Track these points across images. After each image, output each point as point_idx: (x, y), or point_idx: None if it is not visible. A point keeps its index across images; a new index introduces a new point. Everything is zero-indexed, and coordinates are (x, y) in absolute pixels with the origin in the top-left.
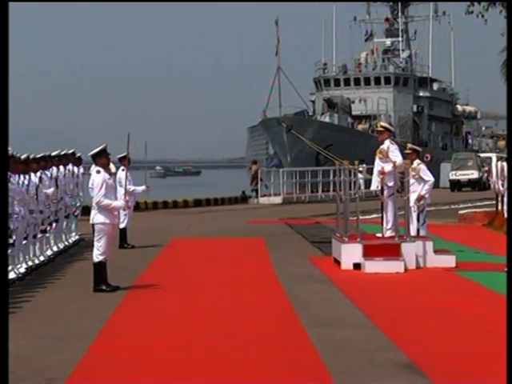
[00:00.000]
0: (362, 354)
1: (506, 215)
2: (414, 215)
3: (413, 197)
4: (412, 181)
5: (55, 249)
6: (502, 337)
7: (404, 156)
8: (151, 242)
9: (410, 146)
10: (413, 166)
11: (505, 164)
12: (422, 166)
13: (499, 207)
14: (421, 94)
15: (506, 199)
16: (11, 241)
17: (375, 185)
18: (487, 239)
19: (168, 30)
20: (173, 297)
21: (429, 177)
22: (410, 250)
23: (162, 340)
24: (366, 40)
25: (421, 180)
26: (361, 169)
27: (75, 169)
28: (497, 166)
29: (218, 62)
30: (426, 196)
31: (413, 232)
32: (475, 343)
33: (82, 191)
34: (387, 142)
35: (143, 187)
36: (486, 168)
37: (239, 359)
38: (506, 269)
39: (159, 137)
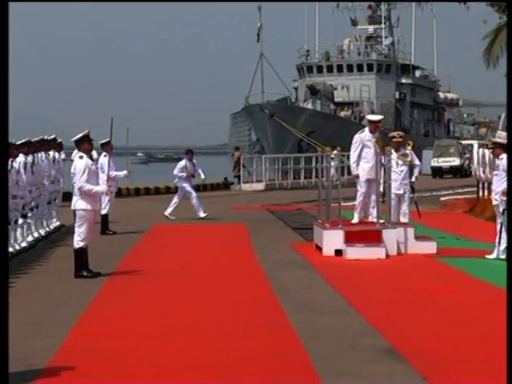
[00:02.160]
0: (343, 340)
1: (493, 202)
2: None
3: (394, 185)
4: (404, 167)
5: (36, 235)
6: (482, 322)
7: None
8: (133, 229)
9: (399, 133)
10: (405, 152)
11: (486, 151)
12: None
13: (480, 194)
14: (403, 80)
15: (495, 187)
16: None
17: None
18: (468, 226)
19: (151, 17)
20: (154, 283)
21: (419, 161)
22: (391, 236)
23: (142, 326)
24: (352, 25)
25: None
26: (332, 155)
27: (56, 154)
28: (478, 153)
29: (202, 48)
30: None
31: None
32: (456, 329)
33: (62, 177)
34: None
35: (125, 172)
36: (468, 155)
37: (220, 345)
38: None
39: (141, 123)
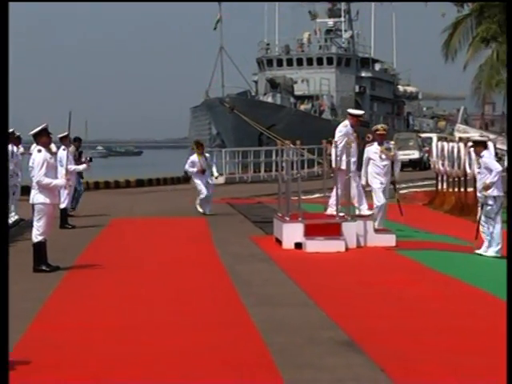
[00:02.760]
0: (303, 333)
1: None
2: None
3: (377, 179)
4: (387, 162)
5: None
6: (441, 314)
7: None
8: (92, 222)
9: (383, 126)
10: (389, 146)
11: (445, 144)
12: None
13: (439, 187)
14: (363, 74)
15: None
16: None
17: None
18: (427, 218)
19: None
20: (113, 277)
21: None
22: (350, 229)
23: (102, 320)
24: (312, 19)
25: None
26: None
27: (15, 148)
28: (437, 146)
29: (161, 41)
30: None
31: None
32: (415, 321)
33: (21, 171)
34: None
35: (84, 165)
36: (427, 148)
37: (180, 338)
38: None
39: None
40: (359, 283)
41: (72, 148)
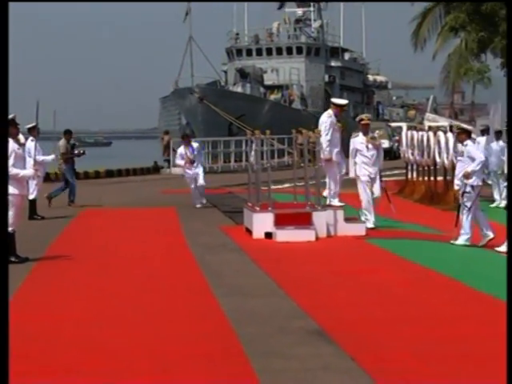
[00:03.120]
0: (273, 323)
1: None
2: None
3: (366, 169)
4: (374, 151)
5: None
6: (411, 302)
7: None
8: (62, 213)
9: (367, 115)
10: (374, 135)
11: (415, 133)
12: None
13: (409, 176)
14: (332, 63)
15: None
16: None
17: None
18: (397, 207)
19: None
20: (83, 268)
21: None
22: (321, 218)
23: (71, 311)
24: (278, 8)
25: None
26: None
27: None
28: (407, 135)
29: (130, 31)
30: None
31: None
32: (385, 309)
33: None
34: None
35: (52, 156)
36: (397, 137)
37: (150, 329)
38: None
39: (69, 107)
40: (330, 272)
41: (63, 141)
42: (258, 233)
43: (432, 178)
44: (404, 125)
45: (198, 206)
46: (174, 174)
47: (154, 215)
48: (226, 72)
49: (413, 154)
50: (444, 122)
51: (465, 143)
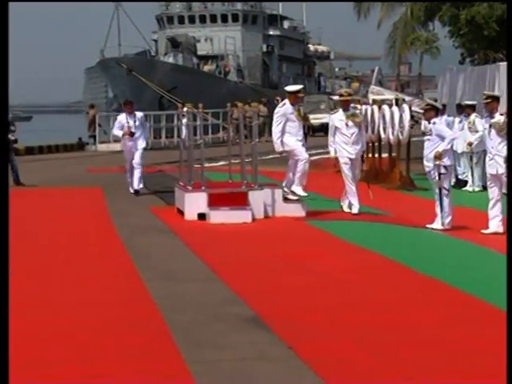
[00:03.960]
0: (206, 309)
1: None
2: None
3: (345, 149)
4: (355, 130)
5: None
6: (353, 288)
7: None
8: None
9: (347, 90)
10: (355, 112)
11: (358, 106)
12: None
13: None
14: (271, 32)
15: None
16: None
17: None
18: (340, 186)
19: None
20: None
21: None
22: (257, 198)
23: None
24: None
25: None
26: (184, 112)
27: None
28: None
29: None
30: None
31: None
32: (326, 295)
33: None
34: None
35: None
36: None
37: (73, 316)
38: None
39: None
40: (267, 256)
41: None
42: (191, 214)
43: (376, 155)
44: None
45: (131, 191)
46: (100, 151)
47: (78, 195)
48: (156, 41)
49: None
50: (389, 95)
51: (432, 121)
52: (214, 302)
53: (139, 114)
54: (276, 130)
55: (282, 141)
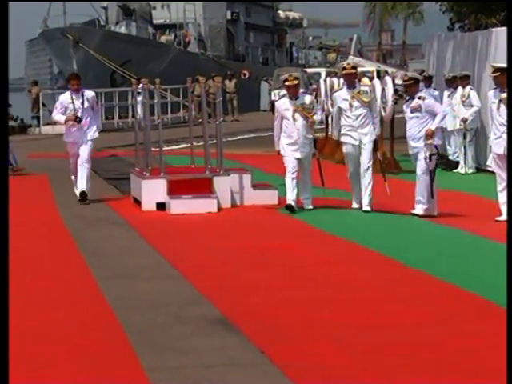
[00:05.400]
0: (167, 310)
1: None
2: None
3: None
4: (362, 111)
5: None
6: (329, 282)
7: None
8: None
9: (349, 63)
10: (364, 89)
11: (335, 80)
12: None
13: (329, 133)
14: None
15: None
16: None
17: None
18: (315, 170)
19: None
20: None
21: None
22: (224, 185)
23: None
24: None
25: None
26: (139, 89)
27: None
28: (326, 82)
29: None
30: None
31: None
32: (299, 292)
33: None
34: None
35: None
36: (314, 86)
37: (19, 318)
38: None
39: None
40: (234, 249)
41: None
42: (149, 203)
43: None
44: (323, 70)
45: (77, 194)
46: (44, 133)
47: (21, 183)
48: (106, 9)
49: (332, 105)
50: (370, 67)
51: (419, 96)
52: (175, 302)
53: (89, 94)
54: (275, 126)
55: (278, 139)
